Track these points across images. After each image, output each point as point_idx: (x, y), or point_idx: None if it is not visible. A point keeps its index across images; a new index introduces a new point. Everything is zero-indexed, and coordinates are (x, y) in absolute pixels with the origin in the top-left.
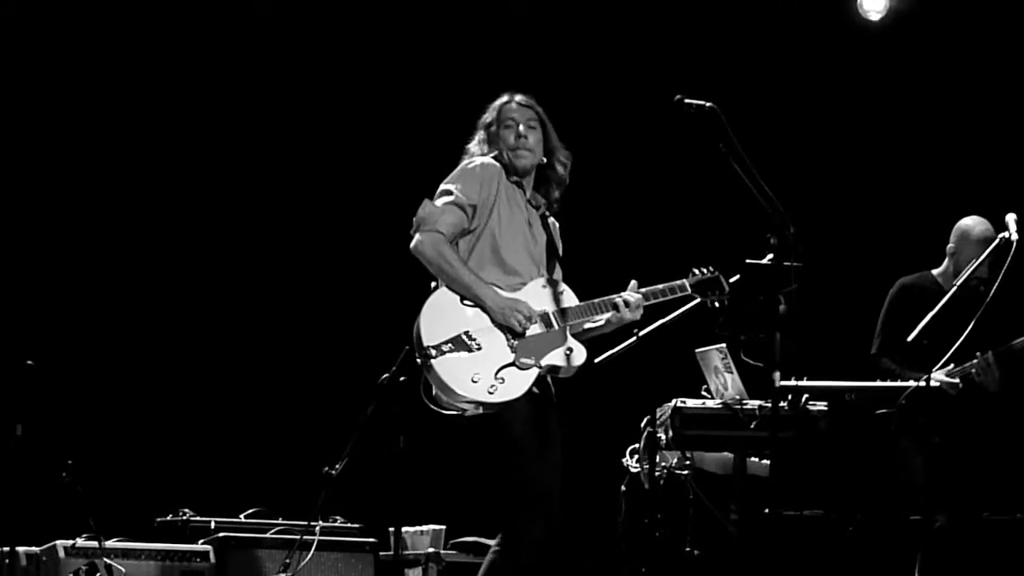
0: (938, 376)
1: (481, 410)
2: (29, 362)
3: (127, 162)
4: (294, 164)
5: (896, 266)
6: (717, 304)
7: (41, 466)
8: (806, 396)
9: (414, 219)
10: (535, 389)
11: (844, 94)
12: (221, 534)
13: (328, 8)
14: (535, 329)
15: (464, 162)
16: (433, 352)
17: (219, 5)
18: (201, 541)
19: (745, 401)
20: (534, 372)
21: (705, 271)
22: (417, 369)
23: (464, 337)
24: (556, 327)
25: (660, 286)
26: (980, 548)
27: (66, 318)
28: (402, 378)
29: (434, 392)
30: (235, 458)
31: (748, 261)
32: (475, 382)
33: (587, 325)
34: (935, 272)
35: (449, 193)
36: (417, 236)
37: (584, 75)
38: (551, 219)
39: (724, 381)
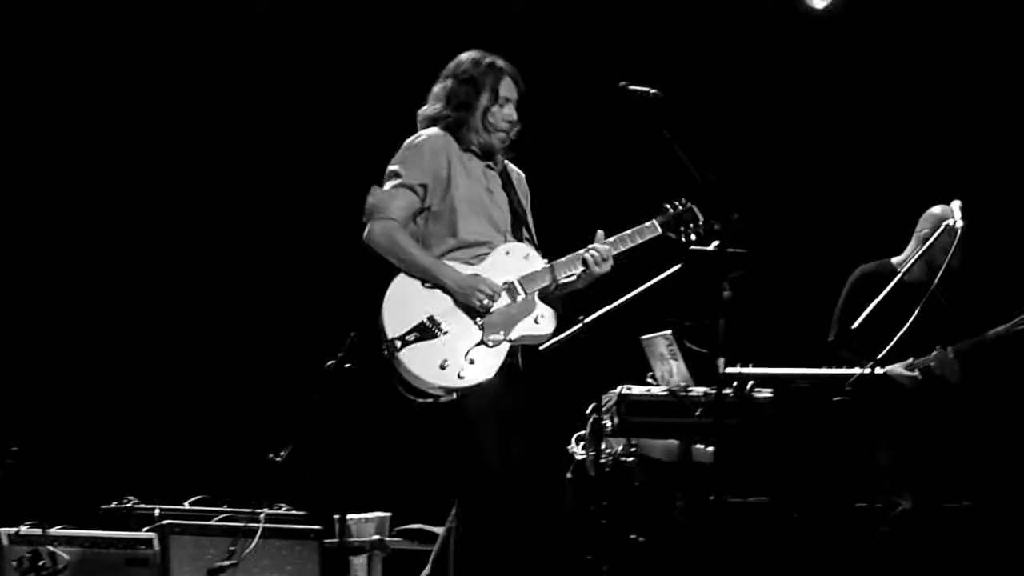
0: (896, 368)
1: (455, 396)
2: None
3: (126, 161)
4: (293, 164)
5: (842, 253)
6: (693, 236)
7: None
8: (751, 383)
9: (366, 206)
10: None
11: (792, 82)
12: (165, 521)
13: (328, 8)
14: (501, 302)
15: (409, 140)
16: (398, 344)
17: (219, 5)
18: (145, 528)
19: (690, 388)
20: (505, 347)
21: (677, 204)
22: (364, 355)
23: (428, 323)
24: (523, 295)
25: (628, 232)
26: (939, 535)
27: (9, 303)
28: (347, 364)
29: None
30: (180, 445)
31: (693, 247)
32: (444, 368)
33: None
34: (895, 260)
35: (397, 175)
36: (368, 225)
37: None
38: (515, 173)
39: (669, 368)
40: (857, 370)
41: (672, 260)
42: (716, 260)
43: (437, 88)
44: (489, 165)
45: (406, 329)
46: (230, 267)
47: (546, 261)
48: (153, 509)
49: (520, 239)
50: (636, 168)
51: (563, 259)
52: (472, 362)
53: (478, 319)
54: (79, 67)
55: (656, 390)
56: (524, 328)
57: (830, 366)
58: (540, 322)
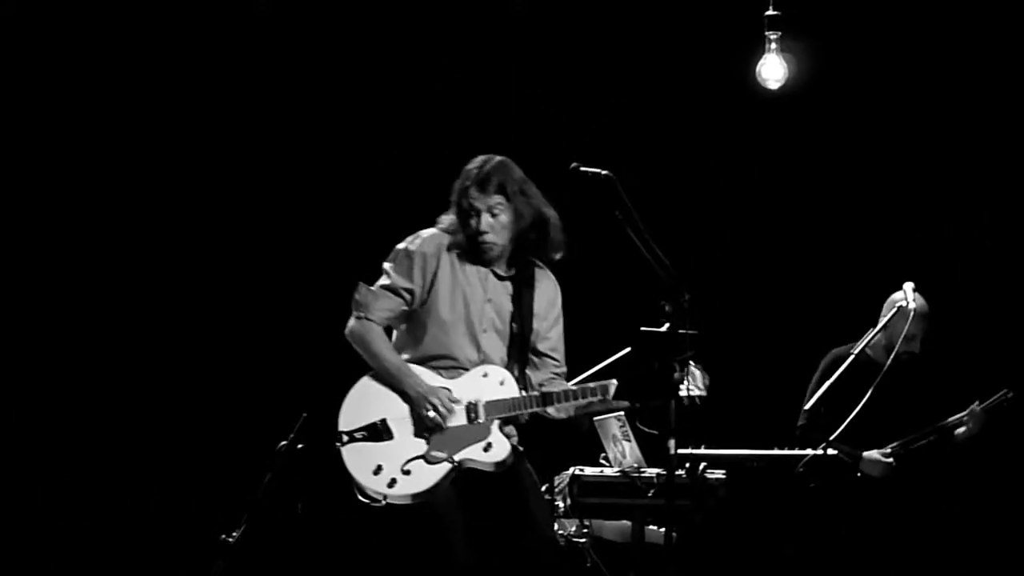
0: (872, 455)
1: (384, 502)
2: None
3: (125, 160)
4: (293, 163)
5: (795, 333)
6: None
7: None
8: (704, 464)
9: (352, 302)
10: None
11: (746, 161)
12: None
13: (328, 8)
14: (457, 419)
15: (406, 240)
16: (345, 438)
17: (219, 5)
18: None
19: (643, 469)
20: (445, 467)
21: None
22: (314, 436)
23: (380, 425)
24: (480, 419)
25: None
26: None
27: None
28: (300, 445)
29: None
30: (132, 526)
31: (643, 328)
32: (376, 474)
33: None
34: (870, 348)
35: (386, 275)
36: (350, 321)
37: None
38: (542, 282)
39: (622, 449)
40: (809, 451)
41: (624, 342)
42: (667, 341)
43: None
44: (497, 273)
45: (356, 426)
46: (181, 350)
47: (521, 391)
48: None
49: (514, 353)
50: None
51: (529, 395)
52: (407, 473)
53: (426, 433)
54: (79, 67)
55: (609, 471)
56: (470, 452)
57: (802, 448)
58: (489, 451)
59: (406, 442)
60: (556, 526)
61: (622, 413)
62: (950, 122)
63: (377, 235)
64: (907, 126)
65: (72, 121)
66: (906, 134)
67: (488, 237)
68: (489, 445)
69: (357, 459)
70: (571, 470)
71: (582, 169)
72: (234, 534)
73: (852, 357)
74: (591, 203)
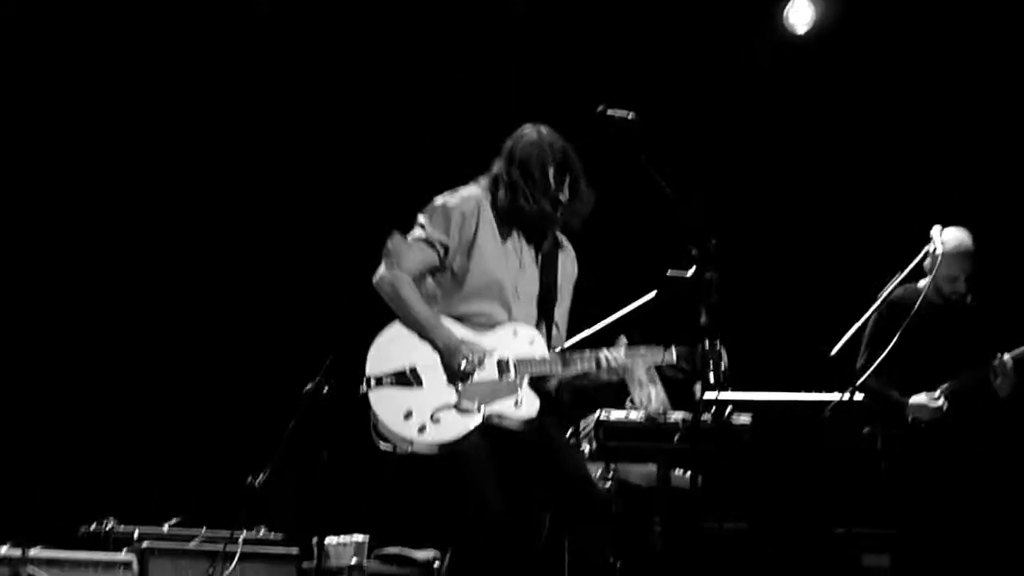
0: (919, 398)
1: (410, 449)
2: None
3: (125, 159)
4: (293, 163)
5: (820, 276)
6: (711, 379)
7: None
8: (730, 409)
9: (384, 250)
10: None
11: (774, 105)
12: (144, 544)
13: (328, 8)
14: (487, 374)
15: (445, 194)
16: (372, 383)
17: (219, 5)
18: (125, 550)
19: (669, 413)
20: (475, 419)
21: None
22: (342, 379)
23: (409, 372)
24: (511, 376)
25: (644, 349)
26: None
27: None
28: (326, 388)
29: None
30: (159, 468)
31: (670, 273)
32: (407, 418)
33: (556, 375)
34: (920, 284)
35: (421, 227)
36: (380, 270)
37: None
38: (565, 252)
39: (648, 393)
40: (836, 395)
41: (649, 287)
42: (693, 286)
43: (497, 161)
44: (532, 239)
45: (386, 371)
46: (209, 291)
47: (548, 352)
48: (132, 531)
49: (541, 321)
50: (617, 192)
51: (574, 354)
52: (437, 421)
53: (457, 383)
54: (80, 67)
55: (634, 415)
56: (501, 407)
57: (854, 393)
58: (519, 406)
59: (436, 391)
60: None
61: None
62: (979, 62)
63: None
64: (935, 68)
65: (72, 121)
66: (934, 76)
67: (560, 213)
68: (519, 401)
69: (386, 404)
70: (597, 414)
71: (609, 112)
72: (261, 477)
73: (878, 303)
74: (617, 147)
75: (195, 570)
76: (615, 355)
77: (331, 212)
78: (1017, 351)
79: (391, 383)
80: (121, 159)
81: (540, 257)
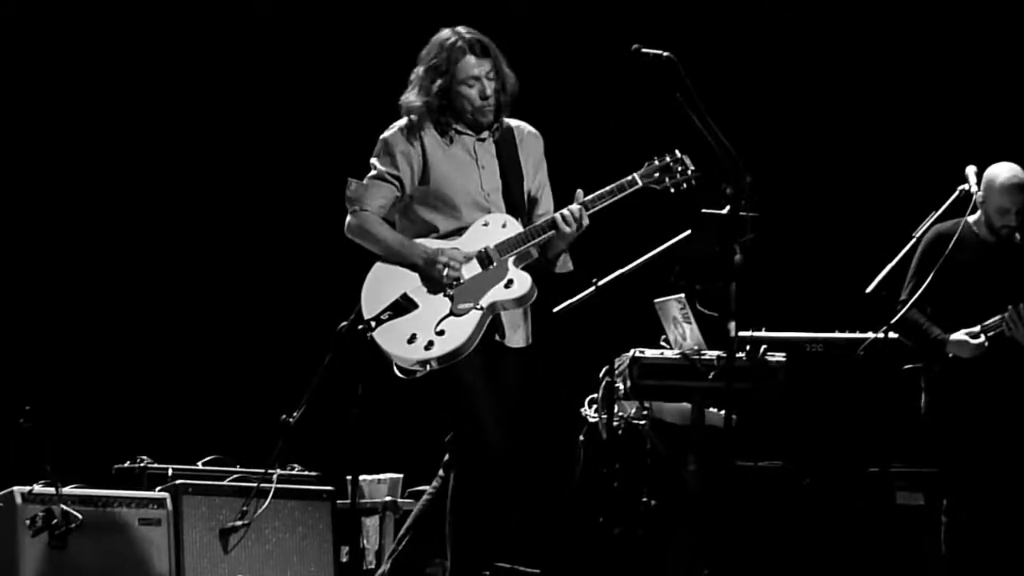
0: (959, 335)
1: (429, 367)
2: None
3: (125, 159)
4: (293, 162)
5: (856, 216)
6: (685, 186)
7: None
8: (764, 347)
9: (345, 199)
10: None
11: (803, 46)
12: (178, 481)
13: (328, 8)
14: (471, 271)
15: (384, 133)
16: (373, 324)
17: (219, 5)
18: (158, 488)
19: (703, 351)
20: (475, 315)
21: (665, 156)
22: (376, 316)
23: (402, 300)
24: (494, 262)
25: (605, 188)
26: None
27: (25, 266)
28: (360, 326)
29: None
30: (193, 406)
31: (704, 211)
32: (411, 342)
33: (529, 249)
34: (971, 219)
35: (373, 167)
36: (347, 219)
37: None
38: (523, 134)
39: (682, 331)
40: (870, 334)
41: (685, 225)
42: (728, 224)
43: (413, 75)
44: (481, 137)
45: (380, 309)
46: (249, 230)
47: (521, 227)
48: (166, 469)
49: (512, 207)
50: (652, 134)
51: (533, 226)
52: (441, 333)
53: (448, 290)
54: (80, 67)
55: (669, 353)
56: (495, 294)
57: (888, 332)
58: (511, 286)
59: (432, 306)
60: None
61: (682, 295)
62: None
63: None
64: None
65: (72, 120)
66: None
67: (491, 102)
68: (510, 281)
69: (389, 336)
70: (632, 352)
71: (643, 51)
72: (295, 414)
73: (913, 240)
74: (652, 86)
75: (229, 508)
76: (570, 208)
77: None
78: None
79: (389, 317)
80: (118, 156)
81: (496, 149)
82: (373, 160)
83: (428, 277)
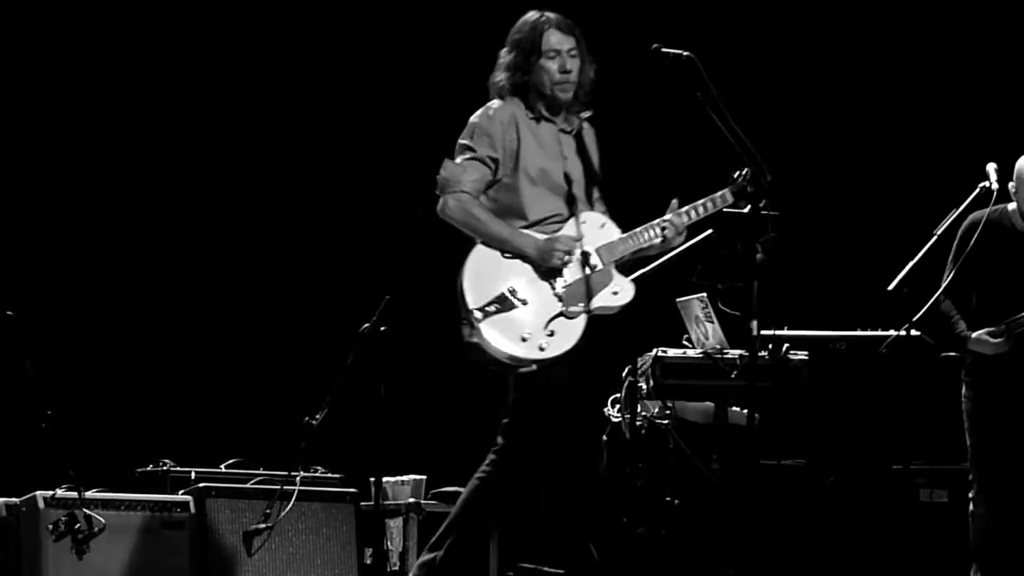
0: (980, 335)
1: (534, 367)
2: (9, 312)
3: (125, 160)
4: (292, 162)
5: (877, 213)
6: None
7: (20, 416)
8: (787, 345)
9: (438, 180)
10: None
11: (824, 42)
12: (201, 484)
13: (328, 8)
14: (577, 272)
15: (477, 113)
16: (479, 315)
17: (219, 5)
18: (181, 491)
19: (726, 350)
20: (583, 318)
21: (746, 172)
22: (398, 318)
23: (508, 294)
24: (601, 266)
25: (701, 201)
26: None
27: (46, 268)
28: (383, 328)
29: (484, 354)
30: (215, 408)
31: (726, 209)
32: (525, 340)
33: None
34: (1010, 207)
35: (468, 148)
36: (442, 199)
37: None
38: (590, 133)
39: (705, 330)
40: (892, 332)
41: (706, 224)
42: (749, 223)
43: (500, 56)
44: (563, 129)
45: (486, 300)
46: (270, 231)
47: (620, 231)
48: (189, 472)
49: (592, 205)
50: (673, 132)
51: (639, 229)
52: (552, 334)
53: (557, 289)
54: (80, 67)
55: (692, 352)
56: (602, 299)
57: (911, 329)
58: (618, 293)
59: (540, 304)
60: (639, 408)
61: (704, 295)
62: None
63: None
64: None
65: (72, 120)
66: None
67: (572, 77)
68: (617, 289)
69: (498, 332)
70: (654, 351)
71: (663, 50)
72: (317, 416)
73: (935, 238)
74: (674, 85)
75: (252, 511)
76: (674, 219)
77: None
78: None
79: (496, 310)
80: (118, 154)
81: (575, 141)
82: (465, 141)
83: (538, 269)
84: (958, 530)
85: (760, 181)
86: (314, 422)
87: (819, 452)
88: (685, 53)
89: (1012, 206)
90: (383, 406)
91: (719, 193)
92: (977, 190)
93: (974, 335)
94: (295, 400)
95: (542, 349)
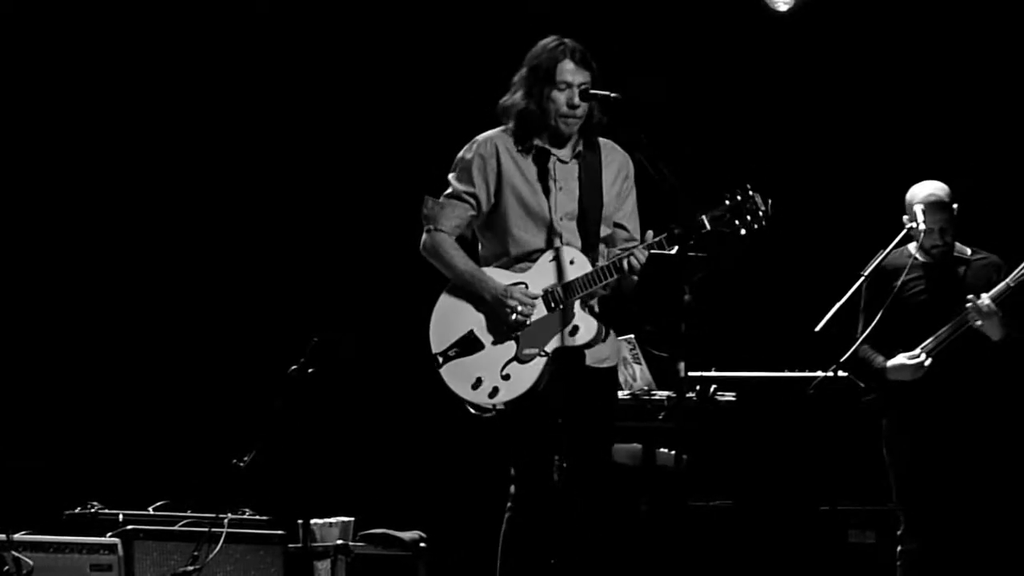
0: (899, 359)
1: (495, 412)
2: None
3: (125, 160)
4: (292, 162)
5: (804, 253)
6: (756, 227)
7: None
8: (714, 387)
9: (421, 217)
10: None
11: (757, 83)
12: (129, 527)
13: (328, 8)
14: (538, 312)
15: (464, 148)
16: (440, 359)
17: (219, 5)
18: (109, 534)
19: (653, 392)
20: (540, 362)
21: (734, 197)
22: (325, 360)
23: (470, 337)
24: (561, 304)
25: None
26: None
27: None
28: (310, 369)
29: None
30: (143, 451)
31: (653, 251)
32: (475, 388)
33: (598, 291)
34: (911, 247)
35: (449, 185)
36: (423, 236)
37: None
38: (611, 156)
39: (632, 372)
40: (820, 373)
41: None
42: (677, 264)
43: (516, 77)
44: (562, 159)
45: (447, 344)
46: (192, 275)
47: (589, 268)
48: (117, 515)
49: (586, 236)
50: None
51: (602, 264)
52: (506, 378)
53: (514, 333)
54: (79, 67)
55: (619, 394)
56: (560, 340)
57: (837, 370)
58: (576, 333)
59: (498, 347)
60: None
61: (632, 336)
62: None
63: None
64: (921, 44)
65: (71, 119)
66: (920, 53)
67: (578, 112)
68: (576, 328)
69: (455, 377)
70: None
71: (591, 92)
72: (245, 458)
73: (865, 275)
74: (614, 126)
75: (180, 553)
76: (637, 255)
77: (320, 203)
78: (995, 290)
79: (456, 354)
80: (118, 155)
81: (577, 169)
82: (450, 177)
83: (495, 315)
84: (886, 571)
85: (689, 223)
86: (242, 464)
87: (748, 493)
88: (613, 94)
89: (912, 245)
90: (311, 448)
91: (694, 220)
92: (905, 230)
93: (890, 363)
94: (223, 442)
95: (493, 394)
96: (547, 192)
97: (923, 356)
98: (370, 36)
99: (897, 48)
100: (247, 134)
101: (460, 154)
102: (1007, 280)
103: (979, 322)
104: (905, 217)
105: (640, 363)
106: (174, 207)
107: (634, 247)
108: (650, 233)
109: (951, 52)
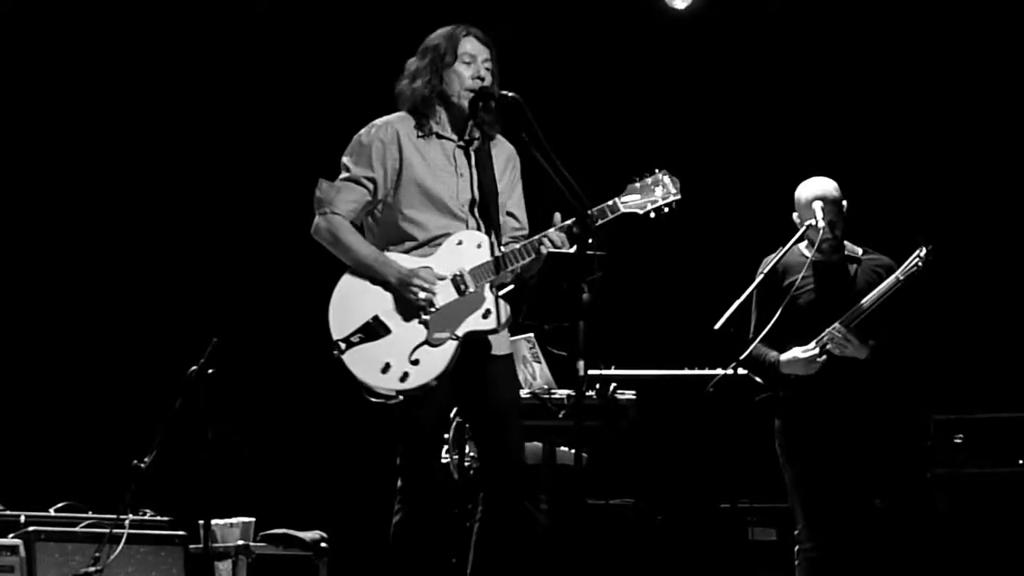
0: (793, 353)
1: (401, 398)
2: None
3: (124, 161)
4: (291, 161)
5: (704, 251)
6: (665, 210)
7: None
8: (614, 385)
9: (314, 200)
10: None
11: (656, 82)
12: (30, 528)
13: (328, 8)
14: (446, 295)
15: (362, 130)
16: (342, 346)
17: (219, 5)
18: (11, 535)
19: (553, 390)
20: (451, 345)
21: (643, 179)
22: (225, 361)
23: (373, 323)
24: (471, 288)
25: (592, 210)
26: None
27: None
28: (210, 370)
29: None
30: (44, 452)
31: (551, 251)
32: (384, 372)
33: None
34: (801, 246)
35: (346, 168)
36: (315, 220)
37: None
38: (503, 150)
39: (532, 371)
40: (720, 371)
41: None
42: (575, 263)
43: (408, 64)
44: (461, 144)
45: (350, 331)
46: (93, 273)
47: (500, 250)
48: (18, 516)
49: (488, 222)
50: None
51: (516, 246)
52: (416, 363)
53: (423, 315)
54: (79, 67)
55: (520, 392)
56: (471, 324)
57: (737, 368)
58: (488, 317)
59: (406, 332)
60: (467, 448)
61: (532, 335)
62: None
63: None
64: (824, 45)
65: (71, 119)
66: (823, 53)
67: (480, 84)
68: (487, 312)
69: (362, 363)
70: None
71: (488, 92)
72: (146, 459)
73: (761, 277)
74: (505, 126)
75: (82, 554)
76: (552, 235)
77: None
78: (845, 317)
79: (360, 340)
80: (117, 155)
81: (473, 157)
82: (345, 160)
83: (401, 298)
84: (787, 568)
85: (586, 221)
86: (143, 465)
87: (648, 491)
88: (511, 94)
89: (803, 244)
90: (211, 448)
91: (608, 203)
92: (803, 228)
93: (783, 357)
94: (124, 443)
95: (404, 379)
96: (449, 178)
97: (817, 350)
98: (380, 29)
99: (791, 50)
100: (117, 132)
101: (357, 137)
102: (863, 301)
103: (838, 351)
104: (795, 215)
105: (540, 362)
106: (70, 208)
107: (542, 234)
108: (558, 216)
109: (834, 54)
